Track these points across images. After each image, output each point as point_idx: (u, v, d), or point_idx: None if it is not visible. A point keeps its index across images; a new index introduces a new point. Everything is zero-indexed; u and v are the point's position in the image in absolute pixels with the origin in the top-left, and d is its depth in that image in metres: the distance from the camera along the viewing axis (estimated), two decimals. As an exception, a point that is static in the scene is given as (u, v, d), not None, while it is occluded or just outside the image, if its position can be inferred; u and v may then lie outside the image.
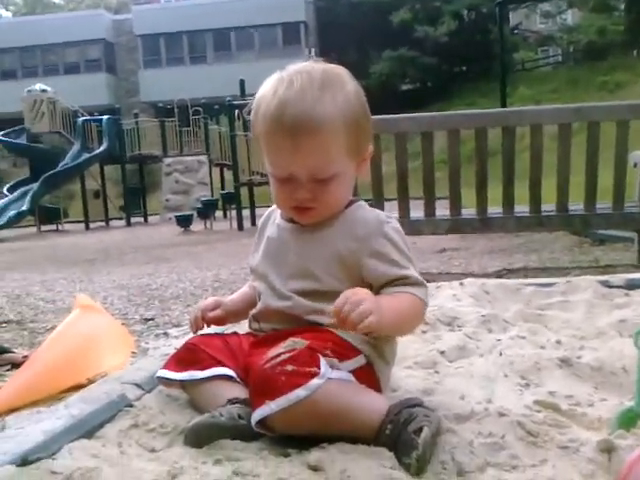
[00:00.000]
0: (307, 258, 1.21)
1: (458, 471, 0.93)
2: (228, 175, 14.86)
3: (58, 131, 16.25)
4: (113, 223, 15.82)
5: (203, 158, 15.78)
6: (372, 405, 1.04)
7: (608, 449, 0.94)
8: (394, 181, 3.59)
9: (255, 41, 28.52)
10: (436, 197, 3.62)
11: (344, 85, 1.17)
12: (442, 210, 3.68)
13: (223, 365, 1.21)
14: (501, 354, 1.43)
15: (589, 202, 3.48)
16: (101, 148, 15.53)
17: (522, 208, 3.58)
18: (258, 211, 9.64)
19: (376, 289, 1.16)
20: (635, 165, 3.86)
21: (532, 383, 1.28)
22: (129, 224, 15.12)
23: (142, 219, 16.39)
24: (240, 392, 1.15)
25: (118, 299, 3.40)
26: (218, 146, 14.68)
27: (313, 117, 1.11)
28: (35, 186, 14.05)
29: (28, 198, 13.67)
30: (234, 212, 11.29)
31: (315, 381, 1.01)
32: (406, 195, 3.61)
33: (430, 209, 3.60)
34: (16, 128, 16.39)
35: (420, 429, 0.97)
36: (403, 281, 1.15)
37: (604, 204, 3.56)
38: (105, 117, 15.99)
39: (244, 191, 11.34)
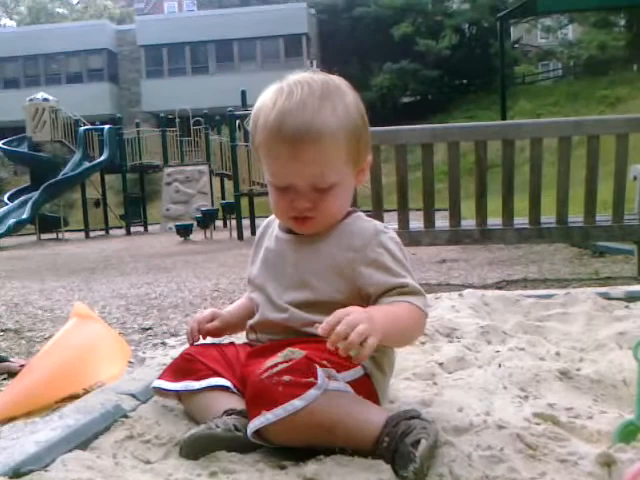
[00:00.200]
0: (304, 269, 1.21)
1: (456, 484, 0.92)
2: (228, 185, 14.88)
3: (60, 140, 16.30)
4: (113, 232, 15.83)
5: (204, 168, 15.81)
6: (369, 417, 1.03)
7: (608, 462, 0.93)
8: (394, 192, 3.59)
9: (257, 52, 28.69)
10: (436, 208, 3.62)
11: (344, 95, 1.17)
12: (442, 221, 3.69)
13: (219, 375, 1.20)
14: (500, 366, 1.42)
15: (589, 214, 3.48)
16: (102, 157, 15.57)
17: (522, 220, 3.59)
18: (258, 221, 9.65)
19: (373, 299, 1.15)
20: (635, 178, 3.87)
21: (531, 395, 1.27)
22: (129, 233, 15.13)
23: (142, 228, 16.40)
24: (236, 403, 1.15)
25: (116, 308, 3.39)
26: (219, 156, 14.72)
27: (313, 127, 1.11)
28: (36, 194, 14.07)
29: (28, 206, 13.68)
30: (234, 222, 11.30)
31: (312, 392, 1.00)
32: (406, 206, 3.62)
33: (430, 220, 3.60)
34: (18, 136, 16.44)
35: (418, 441, 0.96)
36: (400, 290, 1.14)
37: (604, 216, 3.56)
38: (106, 126, 16.04)
39: (244, 201, 11.36)
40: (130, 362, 1.88)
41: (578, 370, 1.38)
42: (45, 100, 16.27)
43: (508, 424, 1.06)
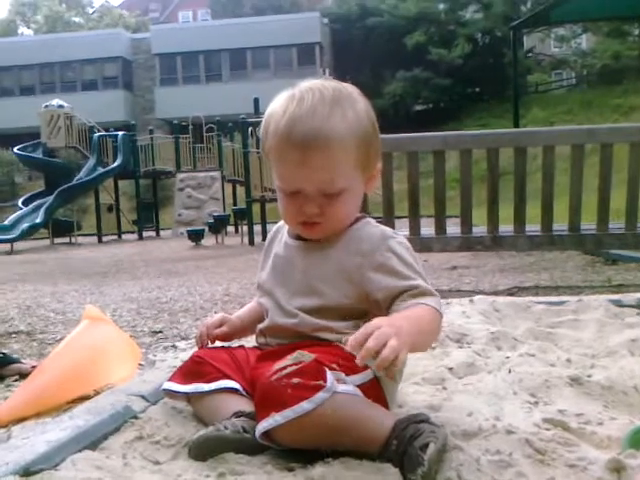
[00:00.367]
0: (313, 275, 1.22)
1: (464, 488, 0.92)
2: (240, 191, 14.96)
3: (74, 146, 16.44)
4: (126, 237, 15.92)
5: (216, 174, 15.89)
6: (378, 420, 1.03)
7: (617, 468, 0.92)
8: (406, 199, 3.59)
9: (270, 61, 28.84)
10: (447, 215, 3.62)
11: (354, 102, 1.18)
12: (453, 228, 3.68)
13: (229, 378, 1.20)
14: (510, 371, 1.42)
15: (602, 222, 3.46)
16: (116, 163, 15.69)
17: (534, 227, 3.57)
18: (269, 227, 9.62)
19: (385, 304, 1.15)
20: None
21: (541, 401, 1.26)
22: (141, 238, 15.22)
23: (154, 233, 16.49)
24: (245, 405, 1.15)
25: (127, 312, 3.41)
26: (231, 163, 14.78)
27: (321, 133, 1.12)
28: (50, 199, 14.20)
29: (42, 211, 13.81)
30: (245, 227, 11.34)
31: (321, 394, 1.00)
32: (417, 213, 3.62)
33: (441, 226, 3.60)
34: (33, 142, 16.61)
35: (426, 445, 0.95)
36: (411, 292, 1.13)
37: (617, 224, 3.54)
38: (120, 133, 16.18)
39: (256, 207, 11.40)
40: (140, 364, 1.89)
41: (589, 376, 1.37)
42: (60, 107, 16.43)
43: (517, 429, 1.06)
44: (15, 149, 16.36)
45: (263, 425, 1.02)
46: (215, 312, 3.23)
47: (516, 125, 8.84)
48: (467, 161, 3.52)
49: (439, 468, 0.95)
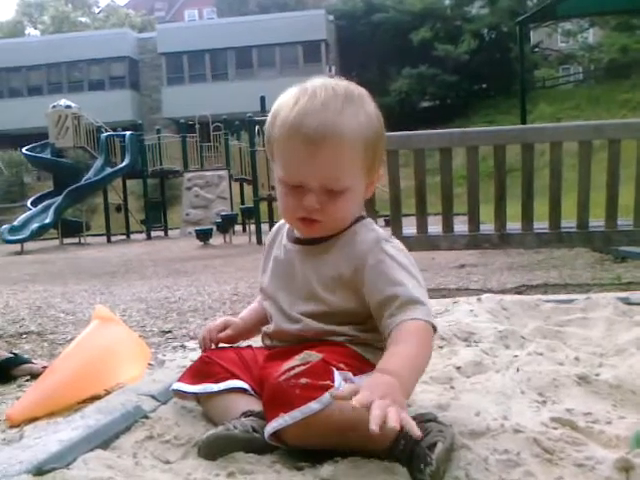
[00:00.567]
0: (312, 281, 1.21)
1: (472, 487, 0.92)
2: (248, 190, 14.97)
3: (82, 146, 16.50)
4: (134, 236, 15.98)
5: (223, 173, 15.91)
6: (386, 419, 1.04)
7: (626, 468, 0.92)
8: (412, 196, 3.59)
9: (276, 59, 28.84)
10: (454, 213, 3.61)
11: (366, 103, 1.18)
12: (460, 226, 3.68)
13: (237, 378, 1.21)
14: (518, 370, 1.42)
15: (610, 219, 3.44)
16: (124, 163, 15.75)
17: (542, 224, 3.56)
18: (277, 226, 9.64)
19: (374, 311, 1.14)
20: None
21: (549, 400, 1.26)
22: (149, 237, 15.27)
23: (162, 233, 16.53)
24: (254, 405, 1.16)
25: (137, 312, 3.42)
26: (238, 161, 14.80)
27: (335, 128, 1.11)
28: (59, 200, 14.27)
29: (51, 211, 13.88)
30: (253, 226, 11.36)
31: (329, 394, 1.01)
32: (424, 210, 3.61)
33: (448, 224, 3.60)
34: (41, 143, 16.69)
35: (434, 444, 0.96)
36: (400, 301, 1.10)
37: (625, 221, 3.52)
38: (128, 133, 16.23)
39: (263, 206, 11.42)
40: (150, 364, 1.91)
41: (597, 375, 1.36)
42: (68, 107, 16.50)
43: (525, 428, 1.06)
44: (23, 149, 16.44)
45: (272, 426, 1.02)
46: (224, 312, 3.24)
47: (523, 121, 8.80)
48: (474, 158, 3.52)
49: (447, 467, 0.96)
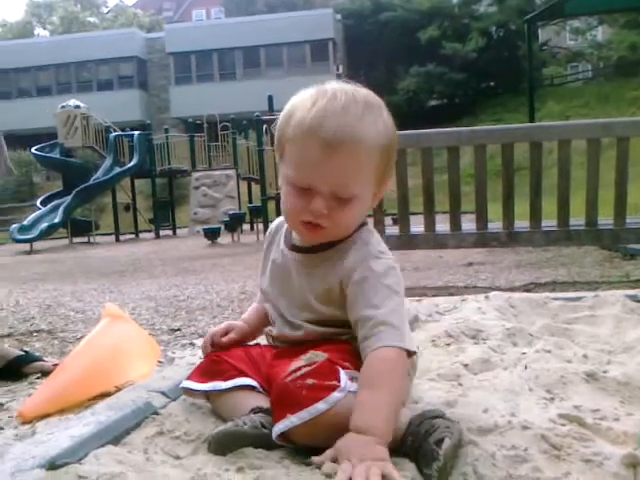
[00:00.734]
0: (306, 292, 1.21)
1: (479, 483, 0.93)
2: (255, 189, 15.01)
3: (91, 146, 16.58)
4: (142, 235, 16.04)
5: (231, 172, 15.95)
6: (393, 416, 1.04)
7: (633, 464, 0.92)
8: (420, 195, 3.59)
9: (284, 58, 28.86)
10: (462, 211, 3.61)
11: (383, 112, 1.16)
12: (468, 224, 3.67)
13: (246, 375, 1.22)
14: (526, 367, 1.42)
15: (619, 216, 3.43)
16: (132, 163, 15.81)
17: (550, 222, 3.55)
18: (285, 225, 9.64)
19: (351, 322, 1.14)
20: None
21: (557, 397, 1.26)
22: (158, 236, 15.33)
23: (171, 232, 16.60)
24: (262, 402, 1.17)
25: (146, 310, 3.44)
26: (246, 160, 14.85)
27: (354, 133, 1.08)
28: (68, 199, 14.35)
29: (61, 211, 13.96)
30: (261, 225, 11.39)
31: (335, 394, 1.02)
32: (432, 209, 3.61)
33: (456, 223, 3.60)
34: (50, 143, 16.79)
35: (441, 440, 0.96)
36: (373, 322, 1.09)
37: (634, 219, 3.51)
38: (136, 132, 16.29)
39: (271, 205, 11.44)
40: (160, 362, 1.92)
41: (605, 372, 1.36)
42: (77, 107, 16.57)
43: (533, 425, 1.06)
44: (33, 149, 16.54)
45: (279, 427, 1.03)
46: (232, 310, 3.26)
47: (531, 119, 8.78)
48: (482, 156, 3.51)
49: (454, 463, 0.97)
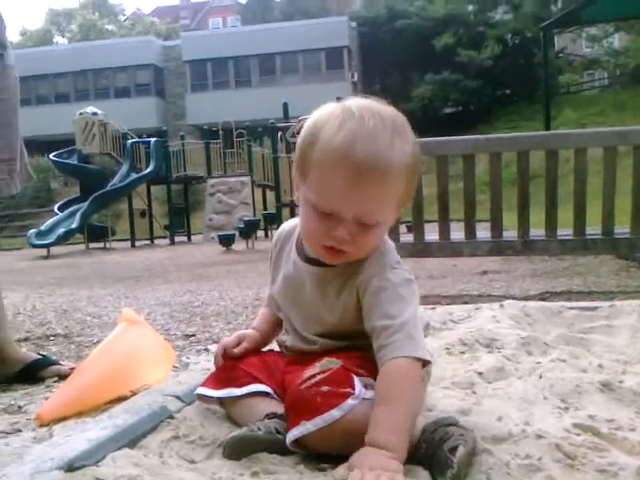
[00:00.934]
0: (320, 304, 1.21)
1: (493, 491, 0.93)
2: (270, 196, 15.07)
3: (108, 152, 16.78)
4: (158, 241, 16.15)
5: (246, 179, 16.02)
6: (407, 424, 1.04)
7: (648, 474, 0.92)
8: (435, 203, 3.59)
9: (299, 65, 29.01)
10: (477, 219, 3.60)
11: (409, 134, 1.12)
12: (483, 232, 3.66)
13: (260, 382, 1.23)
14: (541, 377, 1.41)
15: (636, 225, 3.41)
16: (148, 169, 15.95)
17: (566, 231, 3.53)
18: (299, 232, 9.66)
19: (367, 330, 1.14)
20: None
21: (572, 406, 1.26)
22: (173, 243, 15.43)
23: (186, 238, 16.69)
24: (277, 408, 1.17)
25: (161, 315, 3.47)
26: (261, 167, 14.92)
27: (383, 162, 1.05)
28: (85, 205, 14.51)
29: (78, 216, 14.12)
30: (275, 232, 11.41)
31: (350, 402, 1.03)
32: (447, 217, 3.61)
33: (471, 231, 3.59)
34: (68, 149, 16.99)
35: (455, 448, 0.96)
36: (389, 332, 1.09)
37: (651, 228, 3.48)
38: (153, 139, 16.44)
39: (285, 212, 11.49)
40: (175, 367, 1.94)
41: (621, 382, 1.35)
42: (94, 114, 16.79)
43: (547, 434, 1.06)
44: (51, 156, 16.77)
45: (294, 433, 1.04)
46: (246, 316, 3.27)
47: (547, 127, 8.74)
48: (497, 164, 3.51)
49: (468, 471, 0.96)
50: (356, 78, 28.69)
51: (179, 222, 16.95)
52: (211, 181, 16.44)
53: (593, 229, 3.53)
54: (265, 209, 15.34)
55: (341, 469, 0.98)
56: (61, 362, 2.10)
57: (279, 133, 11.70)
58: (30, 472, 0.97)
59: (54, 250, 12.87)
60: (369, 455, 0.97)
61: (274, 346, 1.40)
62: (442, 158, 3.55)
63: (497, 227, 3.56)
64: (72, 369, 1.89)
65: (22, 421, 1.53)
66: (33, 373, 1.97)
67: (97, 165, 16.52)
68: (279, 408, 1.16)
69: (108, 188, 15.35)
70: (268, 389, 1.22)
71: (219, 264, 8.05)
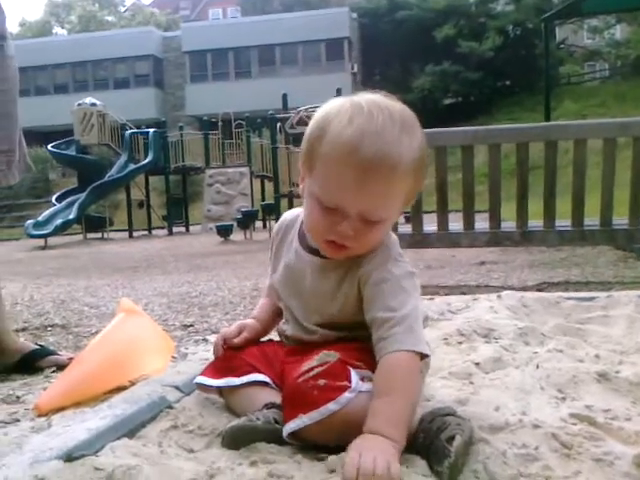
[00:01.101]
0: (321, 294, 1.21)
1: (490, 480, 0.93)
2: (269, 187, 15.06)
3: (106, 143, 16.73)
4: (156, 232, 16.14)
5: (244, 170, 16.01)
6: (404, 414, 1.05)
7: (644, 464, 0.92)
8: (434, 194, 3.59)
9: (299, 57, 28.87)
10: (476, 210, 3.60)
11: (418, 131, 1.11)
12: (482, 223, 3.66)
13: (259, 371, 1.23)
14: (538, 367, 1.42)
15: (634, 217, 3.41)
16: (147, 160, 15.94)
17: (564, 222, 3.53)
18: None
19: (367, 321, 1.14)
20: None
21: (568, 396, 1.26)
22: (171, 233, 15.42)
23: (184, 228, 16.68)
24: (275, 397, 1.18)
25: (159, 306, 3.47)
26: (259, 158, 14.90)
27: (392, 158, 1.04)
28: (83, 196, 14.50)
29: (75, 207, 14.12)
30: (273, 223, 11.41)
31: (346, 395, 1.03)
32: (445, 208, 3.61)
33: (469, 222, 3.59)
34: (66, 140, 16.95)
35: (453, 437, 0.97)
36: (390, 324, 1.09)
37: (650, 219, 3.48)
38: (151, 130, 16.41)
39: (284, 202, 11.49)
40: (173, 357, 1.94)
41: (617, 372, 1.36)
42: (93, 105, 16.73)
43: (544, 423, 1.07)
44: (49, 146, 16.73)
45: (291, 426, 1.05)
46: (244, 306, 3.28)
47: (547, 118, 8.73)
48: (496, 156, 3.50)
49: (465, 460, 0.97)
50: (356, 69, 28.58)
51: (177, 213, 16.94)
52: (209, 172, 16.42)
53: (591, 220, 3.53)
54: (263, 200, 15.33)
55: (334, 456, 0.98)
56: (59, 352, 2.11)
57: (278, 124, 11.68)
58: (29, 462, 0.97)
59: (52, 240, 12.87)
60: (367, 438, 0.97)
61: (274, 335, 1.40)
62: (441, 149, 3.54)
63: (495, 218, 3.56)
64: (70, 359, 1.90)
65: (21, 411, 1.54)
66: (31, 363, 1.97)
67: (95, 156, 16.49)
68: (278, 398, 1.17)
69: (106, 179, 15.34)
70: (267, 379, 1.22)
71: (217, 255, 8.05)
